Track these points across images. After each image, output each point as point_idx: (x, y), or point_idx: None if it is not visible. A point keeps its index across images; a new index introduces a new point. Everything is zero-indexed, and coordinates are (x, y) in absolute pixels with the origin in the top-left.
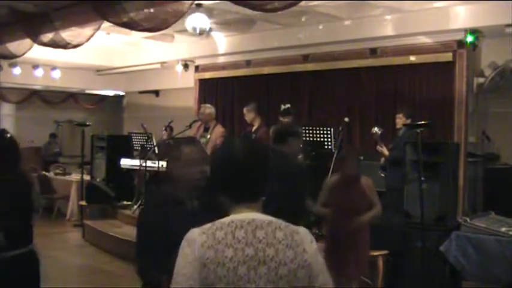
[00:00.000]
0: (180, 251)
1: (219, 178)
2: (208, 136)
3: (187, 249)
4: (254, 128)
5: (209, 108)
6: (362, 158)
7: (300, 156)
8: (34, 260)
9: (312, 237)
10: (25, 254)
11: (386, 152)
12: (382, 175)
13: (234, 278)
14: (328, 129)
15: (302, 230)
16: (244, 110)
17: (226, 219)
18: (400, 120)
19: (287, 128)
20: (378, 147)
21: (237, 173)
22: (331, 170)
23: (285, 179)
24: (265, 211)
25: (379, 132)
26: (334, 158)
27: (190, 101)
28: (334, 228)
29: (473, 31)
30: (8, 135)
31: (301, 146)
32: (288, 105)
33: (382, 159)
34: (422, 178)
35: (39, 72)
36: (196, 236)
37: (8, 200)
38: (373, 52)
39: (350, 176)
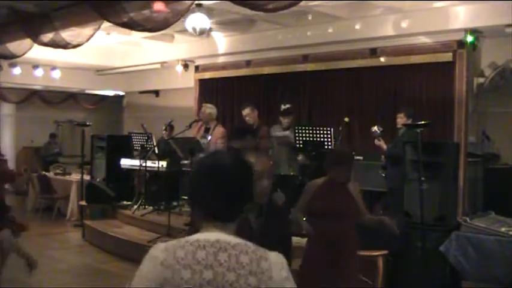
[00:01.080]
0: (142, 262)
1: (197, 191)
2: (209, 137)
3: (146, 264)
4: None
5: (210, 108)
6: (362, 158)
7: (299, 157)
8: None
9: (284, 264)
10: None
11: (384, 146)
12: (383, 175)
13: None
14: (328, 129)
15: (273, 257)
16: (247, 110)
17: (192, 237)
18: (401, 120)
19: (246, 125)
20: (376, 141)
21: (212, 189)
22: None
23: None
24: None
25: (379, 131)
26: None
27: (190, 101)
28: (320, 234)
29: (473, 31)
30: None
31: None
32: (288, 105)
33: (383, 157)
34: (422, 178)
35: (39, 72)
36: (158, 252)
37: None
38: (373, 52)
39: (340, 181)
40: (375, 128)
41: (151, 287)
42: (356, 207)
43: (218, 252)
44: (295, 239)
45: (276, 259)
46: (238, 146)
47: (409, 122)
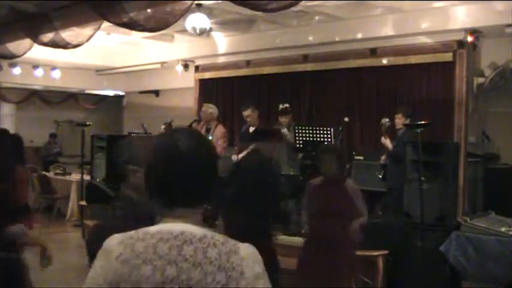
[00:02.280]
0: (96, 258)
1: (151, 174)
2: (210, 137)
3: (100, 261)
4: (253, 128)
5: (211, 108)
6: (362, 158)
7: (299, 157)
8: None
9: (257, 258)
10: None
11: (390, 145)
12: (380, 176)
13: None
14: (328, 129)
15: (245, 250)
16: (249, 111)
17: (152, 228)
18: (399, 120)
19: (270, 128)
20: (383, 139)
21: (171, 170)
22: None
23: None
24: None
25: (388, 124)
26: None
27: (190, 101)
28: (315, 233)
29: (473, 31)
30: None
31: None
32: (286, 105)
33: (383, 157)
34: (422, 178)
35: (39, 72)
36: (113, 246)
37: None
38: (373, 52)
39: (333, 177)
40: (385, 120)
41: (104, 287)
42: (351, 207)
43: (183, 246)
44: (293, 239)
45: (247, 252)
46: (263, 148)
47: (408, 121)
